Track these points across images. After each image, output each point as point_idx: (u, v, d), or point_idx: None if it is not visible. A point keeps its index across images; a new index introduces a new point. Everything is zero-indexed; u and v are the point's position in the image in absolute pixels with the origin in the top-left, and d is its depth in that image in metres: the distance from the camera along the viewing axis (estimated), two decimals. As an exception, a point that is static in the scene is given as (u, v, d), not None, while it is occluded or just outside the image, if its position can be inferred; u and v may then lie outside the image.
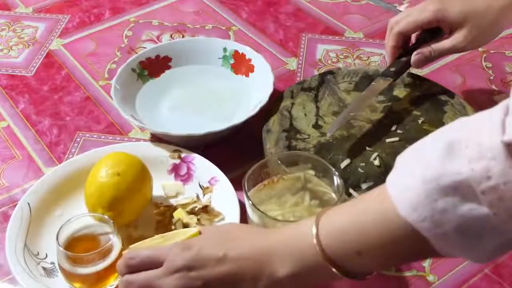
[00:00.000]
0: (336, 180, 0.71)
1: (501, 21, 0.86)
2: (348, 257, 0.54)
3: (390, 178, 0.53)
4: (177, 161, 0.87)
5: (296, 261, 0.56)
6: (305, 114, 0.90)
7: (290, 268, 0.56)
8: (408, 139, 0.83)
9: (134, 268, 0.62)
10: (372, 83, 0.90)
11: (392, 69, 0.90)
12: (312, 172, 0.75)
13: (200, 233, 0.66)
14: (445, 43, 0.87)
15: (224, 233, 0.63)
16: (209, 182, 0.84)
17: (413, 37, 0.92)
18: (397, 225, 0.50)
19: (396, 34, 0.89)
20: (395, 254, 0.53)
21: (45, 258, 0.76)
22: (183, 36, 1.16)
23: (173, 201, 0.84)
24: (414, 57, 0.88)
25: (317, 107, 0.91)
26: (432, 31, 0.89)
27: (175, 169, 0.87)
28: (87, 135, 0.96)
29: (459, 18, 0.85)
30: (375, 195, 0.55)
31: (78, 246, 0.71)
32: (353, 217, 0.54)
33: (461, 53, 1.09)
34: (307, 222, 0.57)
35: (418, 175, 0.49)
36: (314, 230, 0.55)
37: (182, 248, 0.60)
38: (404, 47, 0.91)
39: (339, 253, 0.54)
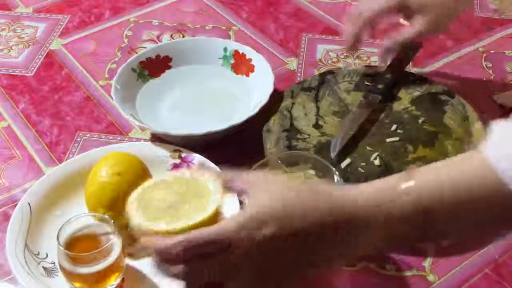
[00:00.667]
0: (336, 180, 0.71)
1: None
2: (443, 214, 0.53)
3: (490, 145, 0.52)
4: (177, 161, 0.87)
5: (385, 222, 0.53)
6: (305, 114, 0.90)
7: (378, 230, 0.54)
8: (408, 139, 0.84)
9: (197, 253, 0.55)
10: (360, 98, 0.90)
11: (380, 86, 0.91)
12: (312, 172, 0.75)
13: (217, 211, 0.60)
14: (408, 31, 0.89)
15: (293, 197, 0.55)
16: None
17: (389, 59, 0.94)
18: (498, 191, 0.50)
19: (362, 21, 0.90)
20: (487, 220, 0.53)
21: (45, 258, 0.76)
22: (183, 36, 1.16)
23: (173, 201, 0.84)
24: (379, 51, 0.93)
25: (317, 107, 0.91)
26: (410, 48, 0.91)
27: (175, 169, 0.87)
28: (87, 135, 0.96)
29: None
30: (469, 160, 0.54)
31: (79, 245, 0.71)
32: (448, 177, 0.53)
33: (460, 53, 1.10)
34: (396, 177, 0.55)
35: None
36: (409, 183, 0.54)
37: (256, 226, 0.53)
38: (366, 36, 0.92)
39: (434, 208, 0.53)
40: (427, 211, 0.53)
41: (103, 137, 0.95)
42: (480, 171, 0.52)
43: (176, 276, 0.56)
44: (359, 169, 0.80)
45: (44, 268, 0.75)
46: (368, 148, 0.83)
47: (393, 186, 0.55)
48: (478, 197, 0.52)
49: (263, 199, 0.55)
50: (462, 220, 0.54)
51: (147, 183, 0.65)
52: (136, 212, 0.61)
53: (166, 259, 0.56)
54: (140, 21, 1.20)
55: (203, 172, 0.63)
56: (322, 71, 1.02)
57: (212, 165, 0.85)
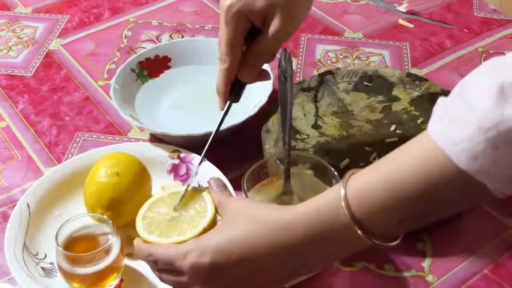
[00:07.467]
0: (336, 180, 0.71)
1: None
2: (376, 214, 0.53)
3: (435, 129, 0.52)
4: (177, 161, 0.87)
5: (324, 240, 0.55)
6: (304, 114, 0.90)
7: (318, 251, 0.56)
8: (407, 139, 0.83)
9: (155, 266, 0.64)
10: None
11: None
12: (310, 172, 0.75)
13: (214, 219, 0.66)
14: (264, 36, 0.74)
15: (236, 227, 0.60)
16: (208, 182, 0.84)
17: None
18: (449, 174, 0.50)
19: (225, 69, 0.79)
20: (435, 204, 0.53)
21: (44, 258, 0.76)
22: (182, 36, 1.16)
23: (172, 201, 0.84)
24: (239, 71, 0.78)
25: (317, 107, 0.91)
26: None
27: (174, 169, 0.87)
28: (87, 135, 0.96)
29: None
30: (409, 148, 0.55)
31: (77, 246, 0.71)
32: (385, 172, 0.54)
33: (460, 53, 1.10)
34: (334, 187, 0.56)
35: (473, 125, 0.48)
36: (342, 192, 0.54)
37: (197, 256, 0.59)
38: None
39: (367, 211, 0.53)
40: (359, 223, 0.53)
41: (102, 137, 0.95)
42: (427, 164, 0.52)
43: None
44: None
45: (43, 269, 0.75)
46: (367, 148, 0.83)
47: (326, 207, 0.55)
48: (424, 189, 0.52)
49: (219, 231, 0.61)
50: (401, 218, 0.54)
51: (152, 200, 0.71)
52: (142, 230, 0.67)
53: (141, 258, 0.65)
54: (139, 21, 1.20)
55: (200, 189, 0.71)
56: (321, 71, 1.02)
57: (212, 165, 0.85)
